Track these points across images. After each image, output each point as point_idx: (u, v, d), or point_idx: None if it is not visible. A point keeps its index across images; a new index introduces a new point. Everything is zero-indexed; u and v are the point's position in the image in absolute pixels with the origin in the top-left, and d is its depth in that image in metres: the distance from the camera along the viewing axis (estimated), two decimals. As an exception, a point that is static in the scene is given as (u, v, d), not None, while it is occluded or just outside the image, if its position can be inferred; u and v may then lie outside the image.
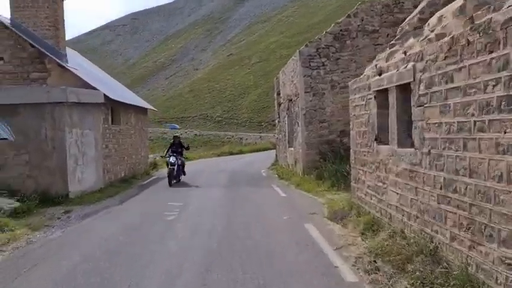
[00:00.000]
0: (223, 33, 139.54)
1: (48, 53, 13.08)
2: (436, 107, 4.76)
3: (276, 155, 22.87)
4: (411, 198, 5.58)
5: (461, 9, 4.71)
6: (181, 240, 7.04)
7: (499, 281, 3.68)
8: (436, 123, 4.79)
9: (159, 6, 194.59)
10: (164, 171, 17.53)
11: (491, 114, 3.75)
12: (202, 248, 6.49)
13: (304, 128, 14.49)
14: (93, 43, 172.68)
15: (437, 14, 5.66)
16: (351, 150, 8.69)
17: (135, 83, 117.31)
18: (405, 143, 5.94)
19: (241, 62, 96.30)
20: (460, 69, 4.25)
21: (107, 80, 19.70)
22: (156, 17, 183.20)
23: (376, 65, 7.43)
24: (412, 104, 5.44)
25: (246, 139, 57.18)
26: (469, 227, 4.15)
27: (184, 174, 15.99)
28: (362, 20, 14.42)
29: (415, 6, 10.35)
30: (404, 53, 6.04)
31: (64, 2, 14.63)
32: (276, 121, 23.06)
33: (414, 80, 5.31)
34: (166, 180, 14.69)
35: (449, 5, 5.50)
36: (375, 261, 5.38)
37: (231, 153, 37.03)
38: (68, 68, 13.35)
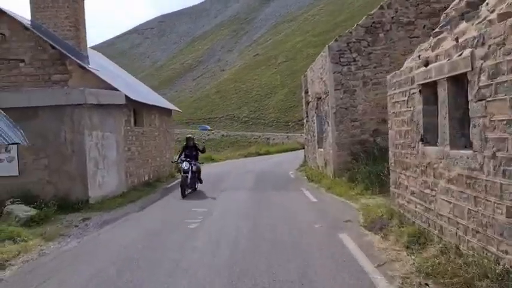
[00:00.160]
0: (249, 33, 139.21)
1: (69, 54, 12.70)
2: (504, 101, 3.92)
3: (305, 156, 22.05)
4: (469, 209, 4.73)
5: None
6: (203, 255, 6.38)
7: None
8: (503, 120, 3.95)
9: (186, 9, 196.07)
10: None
11: None
12: (226, 265, 5.79)
13: (334, 127, 13.64)
14: (122, 47, 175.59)
15: (498, -8, 4.80)
16: (390, 152, 7.84)
17: (163, 84, 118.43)
18: (459, 144, 5.09)
19: (268, 62, 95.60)
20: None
21: (130, 81, 19.36)
22: (182, 19, 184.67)
23: (419, 56, 6.58)
24: (469, 98, 4.59)
25: (273, 139, 56.47)
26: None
27: (201, 182, 13.77)
28: (396, 11, 13.44)
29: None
30: (456, 39, 5.19)
31: (85, 1, 14.28)
32: (304, 121, 22.21)
33: (472, 69, 4.47)
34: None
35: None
36: (426, 284, 4.56)
37: (258, 154, 36.36)
38: (89, 69, 12.95)
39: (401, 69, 7.04)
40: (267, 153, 37.66)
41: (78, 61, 12.80)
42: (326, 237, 7.04)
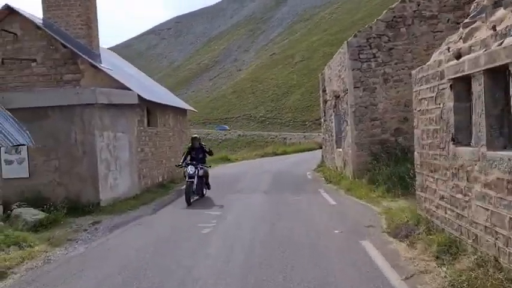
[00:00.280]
0: (265, 33, 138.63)
1: (81, 54, 12.46)
2: (556, 95, 3.40)
3: (322, 156, 21.51)
4: (510, 218, 4.21)
5: None
6: (216, 262, 5.97)
7: None
8: (555, 117, 3.44)
9: (202, 9, 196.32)
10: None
11: None
12: (240, 275, 5.37)
13: (353, 126, 13.09)
14: (139, 48, 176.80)
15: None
16: (415, 153, 7.30)
17: (180, 85, 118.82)
18: (497, 144, 4.57)
19: (284, 61, 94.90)
20: None
21: (144, 80, 19.09)
22: (199, 19, 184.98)
23: (448, 48, 6.05)
24: (511, 93, 4.07)
25: (290, 139, 55.95)
26: None
27: (209, 187, 12.48)
28: (418, 5, 12.81)
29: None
30: (493, 27, 4.67)
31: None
32: (322, 120, 21.67)
33: (516, 59, 3.95)
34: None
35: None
36: (463, 302, 4.07)
37: (275, 154, 35.87)
38: (102, 68, 12.70)
39: (428, 63, 6.51)
40: (284, 153, 37.13)
41: (90, 60, 12.55)
42: (347, 244, 6.55)
